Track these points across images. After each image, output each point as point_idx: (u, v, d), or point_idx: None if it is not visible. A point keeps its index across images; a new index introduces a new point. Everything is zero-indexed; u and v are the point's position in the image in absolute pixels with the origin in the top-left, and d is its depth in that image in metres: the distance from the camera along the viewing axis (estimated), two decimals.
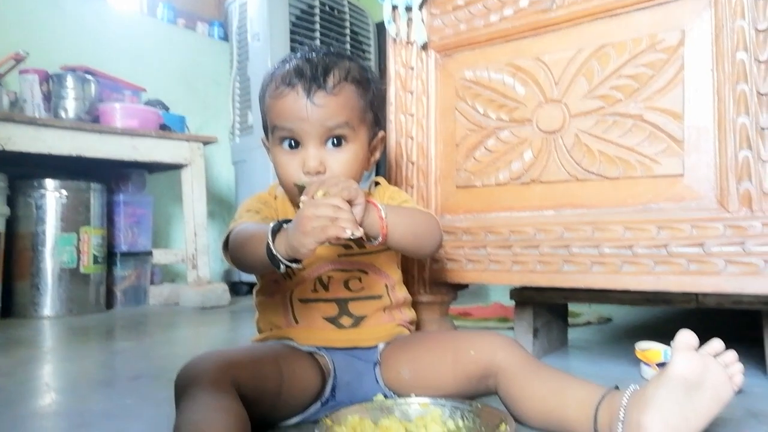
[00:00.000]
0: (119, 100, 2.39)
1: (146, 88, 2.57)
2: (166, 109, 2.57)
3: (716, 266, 0.86)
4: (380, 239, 0.78)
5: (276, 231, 0.73)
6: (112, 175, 2.44)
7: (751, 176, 0.85)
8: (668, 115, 0.92)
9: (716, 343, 0.67)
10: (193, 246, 2.47)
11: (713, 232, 0.87)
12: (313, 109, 0.85)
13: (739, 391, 0.67)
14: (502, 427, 0.69)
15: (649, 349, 1.05)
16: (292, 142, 0.87)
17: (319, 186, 0.74)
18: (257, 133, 2.48)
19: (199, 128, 2.80)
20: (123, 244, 2.42)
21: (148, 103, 2.51)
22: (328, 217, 0.68)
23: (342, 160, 0.88)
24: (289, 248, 0.71)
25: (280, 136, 0.88)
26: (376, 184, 1.01)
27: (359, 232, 0.68)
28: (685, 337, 0.66)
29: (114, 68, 2.53)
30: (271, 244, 0.72)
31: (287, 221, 0.74)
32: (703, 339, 0.67)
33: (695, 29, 0.91)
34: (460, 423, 0.75)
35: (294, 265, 0.72)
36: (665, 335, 1.02)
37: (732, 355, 0.67)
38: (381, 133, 0.96)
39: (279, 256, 0.71)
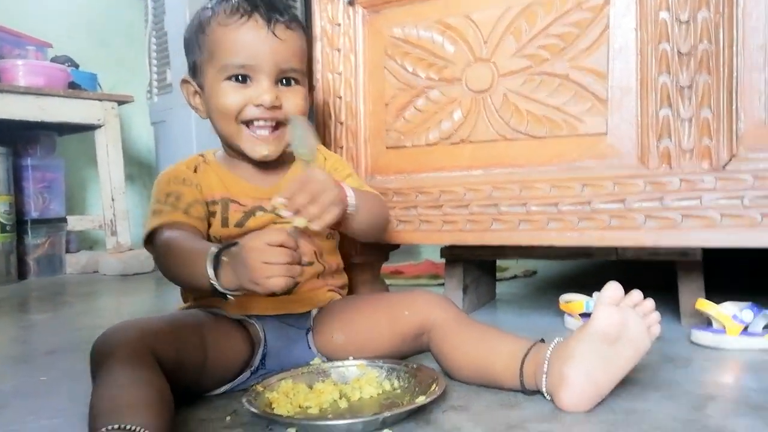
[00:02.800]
0: (22, 56, 2.21)
1: (52, 44, 2.39)
2: (76, 66, 2.40)
3: (636, 221, 0.90)
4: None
5: (217, 266, 0.68)
6: (18, 137, 2.27)
7: (671, 134, 0.88)
8: (593, 75, 0.94)
9: (635, 295, 0.70)
10: (110, 211, 2.35)
11: (634, 189, 0.90)
12: (274, 42, 0.83)
13: (657, 338, 0.70)
14: (433, 386, 0.70)
15: (571, 300, 1.09)
16: (240, 77, 0.84)
17: (299, 192, 0.69)
18: (177, 92, 2.35)
19: (114, 86, 2.64)
20: (33, 211, 2.28)
21: (55, 59, 2.33)
22: (282, 266, 0.64)
23: (295, 98, 0.86)
24: (239, 288, 0.67)
25: (229, 74, 0.84)
26: None
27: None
28: (611, 291, 0.69)
29: (15, 22, 2.33)
30: (215, 283, 0.67)
31: (229, 246, 0.69)
32: (623, 288, 0.70)
33: None
34: (396, 384, 0.76)
35: (240, 293, 0.69)
36: (587, 287, 1.07)
37: (650, 304, 0.70)
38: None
39: (227, 292, 0.68)
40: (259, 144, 0.86)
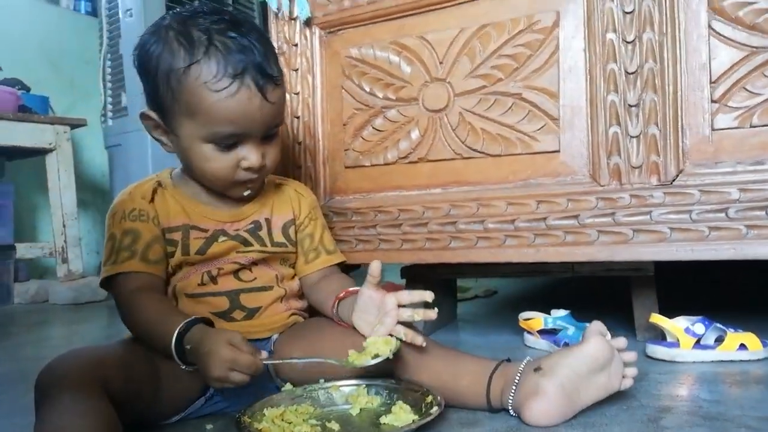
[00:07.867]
0: None
1: (2, 67, 2.32)
2: (27, 89, 2.34)
3: (590, 237, 0.91)
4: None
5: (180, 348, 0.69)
6: None
7: (620, 151, 0.90)
8: (545, 94, 0.96)
9: (622, 341, 0.73)
10: (62, 238, 2.27)
11: (587, 205, 0.92)
12: (267, 108, 0.77)
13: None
14: (429, 398, 0.70)
15: (531, 318, 1.09)
16: (228, 143, 0.79)
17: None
18: (132, 115, 2.32)
19: (67, 110, 2.58)
20: None
21: (5, 82, 2.26)
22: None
23: (275, 151, 0.84)
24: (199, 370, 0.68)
25: (216, 140, 0.78)
26: (277, 184, 0.94)
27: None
28: (599, 325, 0.73)
29: None
30: (181, 365, 0.70)
31: (193, 323, 0.70)
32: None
33: (569, 11, 0.94)
34: (378, 400, 0.75)
35: None
36: (546, 304, 1.08)
37: (632, 355, 0.74)
38: None
39: (189, 367, 0.70)
40: (244, 190, 0.85)
